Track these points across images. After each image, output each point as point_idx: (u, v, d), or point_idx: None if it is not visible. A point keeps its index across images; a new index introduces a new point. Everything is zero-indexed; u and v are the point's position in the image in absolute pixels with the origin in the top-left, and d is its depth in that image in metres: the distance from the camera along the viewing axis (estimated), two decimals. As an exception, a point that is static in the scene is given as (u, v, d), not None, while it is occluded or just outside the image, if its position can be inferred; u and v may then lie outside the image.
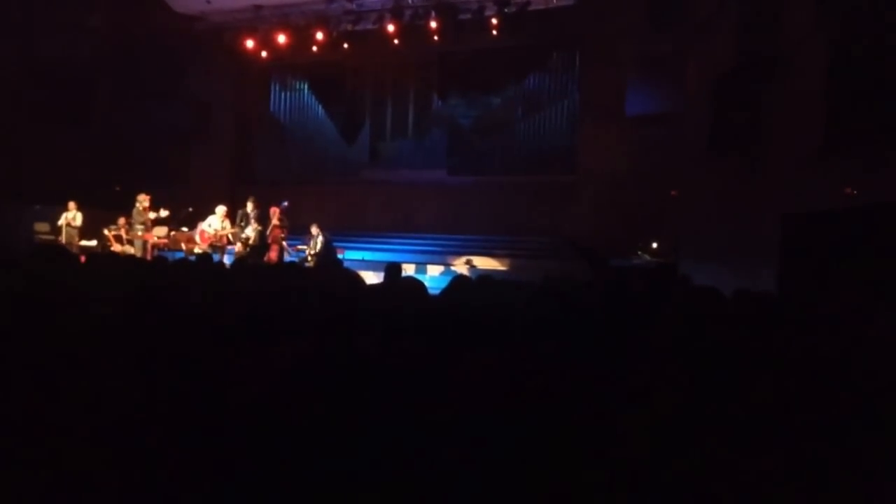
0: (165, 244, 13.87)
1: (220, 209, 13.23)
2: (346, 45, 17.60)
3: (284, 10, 16.75)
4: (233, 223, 13.40)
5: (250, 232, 13.25)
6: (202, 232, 13.16)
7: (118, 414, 1.98)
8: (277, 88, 20.48)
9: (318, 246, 13.53)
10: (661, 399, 2.14)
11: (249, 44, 17.62)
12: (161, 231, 14.03)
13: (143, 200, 13.12)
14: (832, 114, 6.88)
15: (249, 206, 13.45)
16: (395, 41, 16.92)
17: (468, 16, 15.92)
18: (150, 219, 13.17)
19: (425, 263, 14.94)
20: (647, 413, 2.05)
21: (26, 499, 1.76)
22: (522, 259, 14.98)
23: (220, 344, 2.50)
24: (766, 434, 1.96)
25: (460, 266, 14.85)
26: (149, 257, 12.27)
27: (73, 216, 13.21)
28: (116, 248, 13.18)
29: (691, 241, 11.28)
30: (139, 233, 13.01)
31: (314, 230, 13.70)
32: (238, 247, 13.23)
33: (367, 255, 15.39)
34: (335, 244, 14.59)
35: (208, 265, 5.48)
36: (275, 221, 13.46)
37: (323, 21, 16.80)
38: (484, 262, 15.26)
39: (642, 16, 12.88)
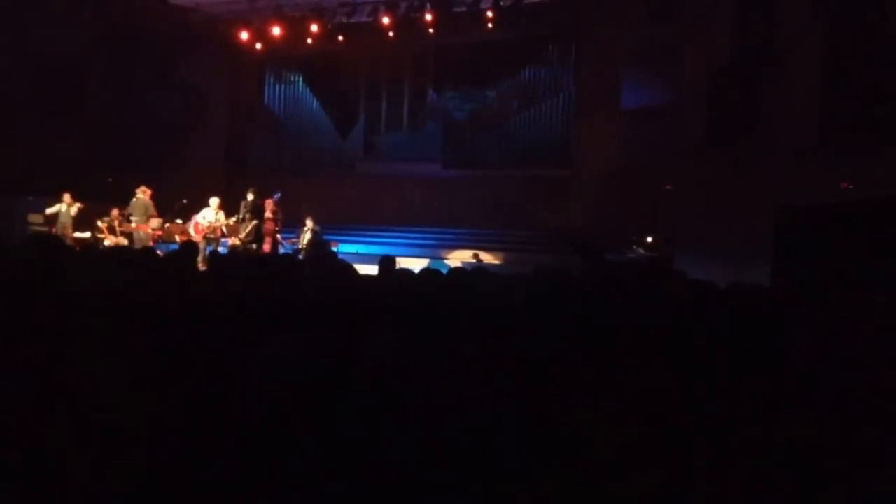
0: (159, 236, 13.81)
1: (214, 200, 13.19)
2: (340, 38, 17.58)
3: (279, 2, 16.65)
4: (228, 215, 13.37)
5: (247, 226, 13.26)
6: (196, 224, 13.12)
7: (110, 405, 1.98)
8: (272, 80, 20.41)
9: (307, 238, 13.54)
10: (656, 392, 2.16)
11: (244, 35, 17.54)
12: (155, 223, 13.97)
13: (145, 192, 13.11)
14: (828, 106, 6.86)
15: (251, 198, 13.50)
16: (390, 34, 16.89)
17: (463, 8, 15.85)
18: (153, 212, 13.21)
19: (419, 257, 14.87)
20: (640, 407, 2.07)
21: (21, 486, 1.76)
22: (517, 253, 14.94)
23: (213, 335, 2.52)
24: (757, 426, 1.98)
25: (454, 260, 14.79)
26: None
27: (66, 208, 13.13)
28: (110, 239, 13.12)
29: (686, 235, 11.28)
30: (133, 224, 12.99)
31: (308, 222, 13.70)
32: (233, 239, 13.21)
33: (361, 248, 15.36)
34: (329, 237, 14.57)
35: (194, 256, 5.44)
36: (268, 214, 13.44)
37: (318, 13, 16.74)
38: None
39: (639, 8, 12.85)
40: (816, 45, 7.17)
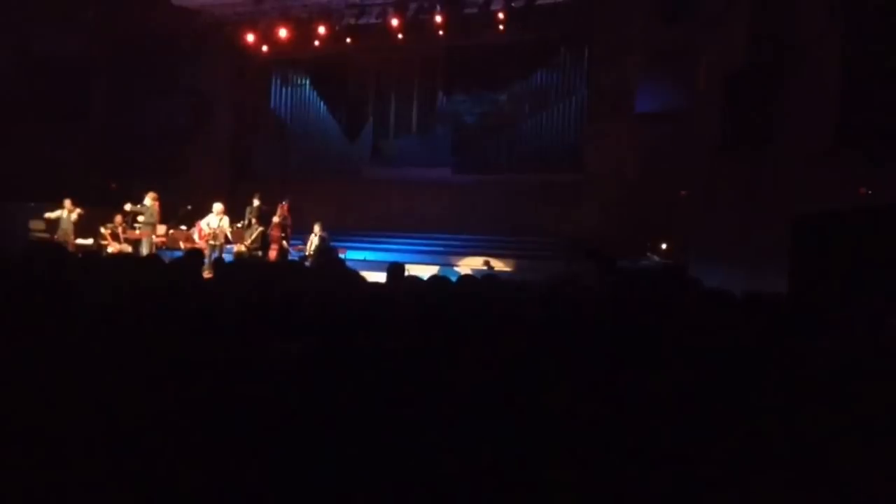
0: (163, 242, 13.77)
1: (217, 206, 13.12)
2: (348, 40, 17.51)
3: (286, 4, 16.64)
4: (232, 221, 13.32)
5: (253, 232, 13.24)
6: (200, 230, 13.07)
7: (116, 412, 1.98)
8: (278, 84, 20.30)
9: (314, 245, 13.47)
10: (669, 405, 2.17)
11: (250, 38, 17.52)
12: (160, 229, 13.95)
13: (155, 199, 13.09)
14: (845, 110, 6.76)
15: (257, 204, 13.48)
16: (399, 36, 16.78)
17: (474, 10, 15.78)
18: (157, 218, 13.19)
19: (429, 264, 14.79)
20: (653, 418, 2.08)
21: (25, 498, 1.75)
22: (528, 259, 14.85)
23: (221, 342, 2.55)
24: (775, 439, 1.96)
25: (465, 267, 14.70)
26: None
27: (66, 214, 13.08)
28: (113, 246, 13.08)
29: (701, 242, 11.16)
30: (137, 231, 12.99)
31: (316, 228, 13.63)
32: (238, 245, 13.16)
33: (370, 255, 15.23)
34: (337, 244, 14.47)
35: (200, 263, 5.41)
36: (275, 220, 13.38)
37: (325, 15, 16.67)
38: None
39: (653, 10, 12.76)
40: (833, 48, 7.08)
